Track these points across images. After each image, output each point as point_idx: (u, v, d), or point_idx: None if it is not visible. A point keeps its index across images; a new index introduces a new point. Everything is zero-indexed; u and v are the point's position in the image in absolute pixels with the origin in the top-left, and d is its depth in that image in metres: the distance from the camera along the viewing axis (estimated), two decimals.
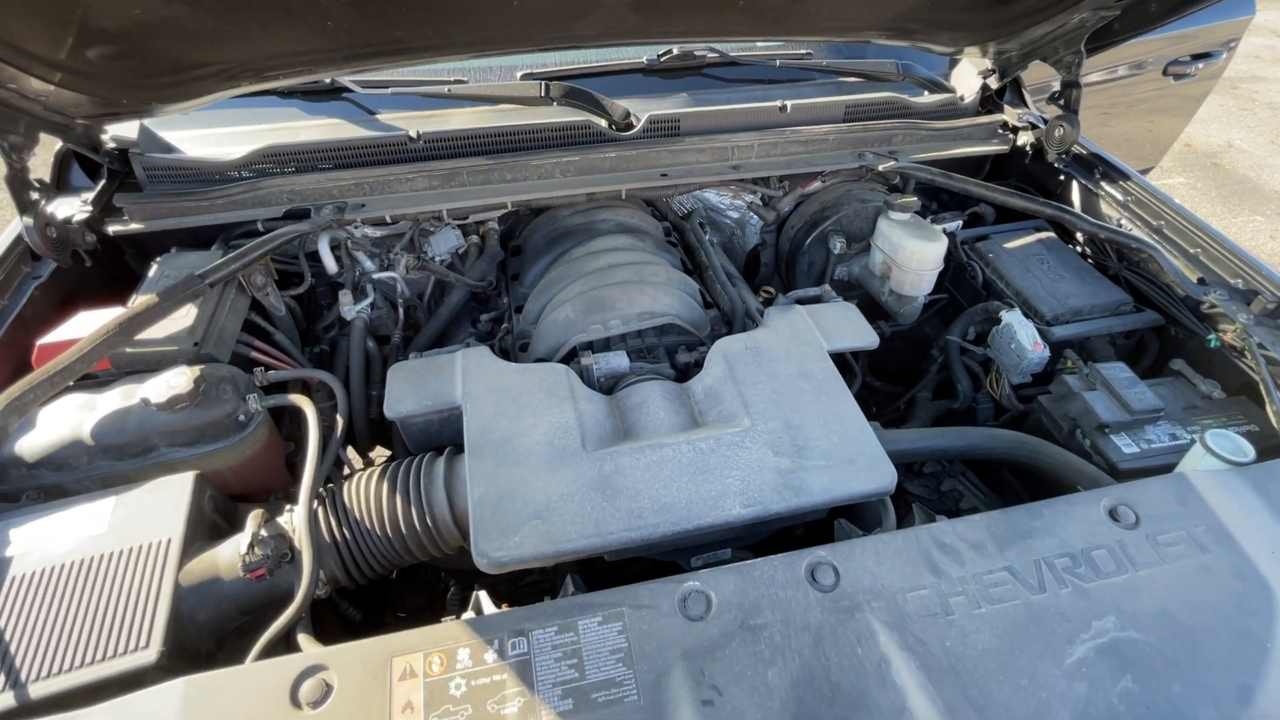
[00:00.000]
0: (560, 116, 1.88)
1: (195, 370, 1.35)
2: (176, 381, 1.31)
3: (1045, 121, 2.16)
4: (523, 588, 1.57)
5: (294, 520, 1.23)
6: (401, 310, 2.00)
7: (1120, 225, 1.91)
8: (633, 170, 1.86)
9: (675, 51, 2.05)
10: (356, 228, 1.77)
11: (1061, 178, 2.14)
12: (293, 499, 1.54)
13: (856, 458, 1.27)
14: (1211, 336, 1.64)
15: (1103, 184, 2.02)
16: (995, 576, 1.04)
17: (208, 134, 1.93)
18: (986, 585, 1.03)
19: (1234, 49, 3.44)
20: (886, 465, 1.26)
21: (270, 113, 1.94)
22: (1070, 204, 2.10)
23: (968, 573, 1.05)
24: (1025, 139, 2.16)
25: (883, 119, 2.04)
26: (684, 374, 1.69)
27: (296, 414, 1.54)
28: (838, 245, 2.06)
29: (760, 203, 2.13)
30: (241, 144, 1.80)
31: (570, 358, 1.65)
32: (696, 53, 2.05)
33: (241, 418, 1.39)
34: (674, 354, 1.73)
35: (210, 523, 1.27)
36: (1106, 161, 2.04)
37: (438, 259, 1.91)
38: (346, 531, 1.24)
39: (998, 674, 0.94)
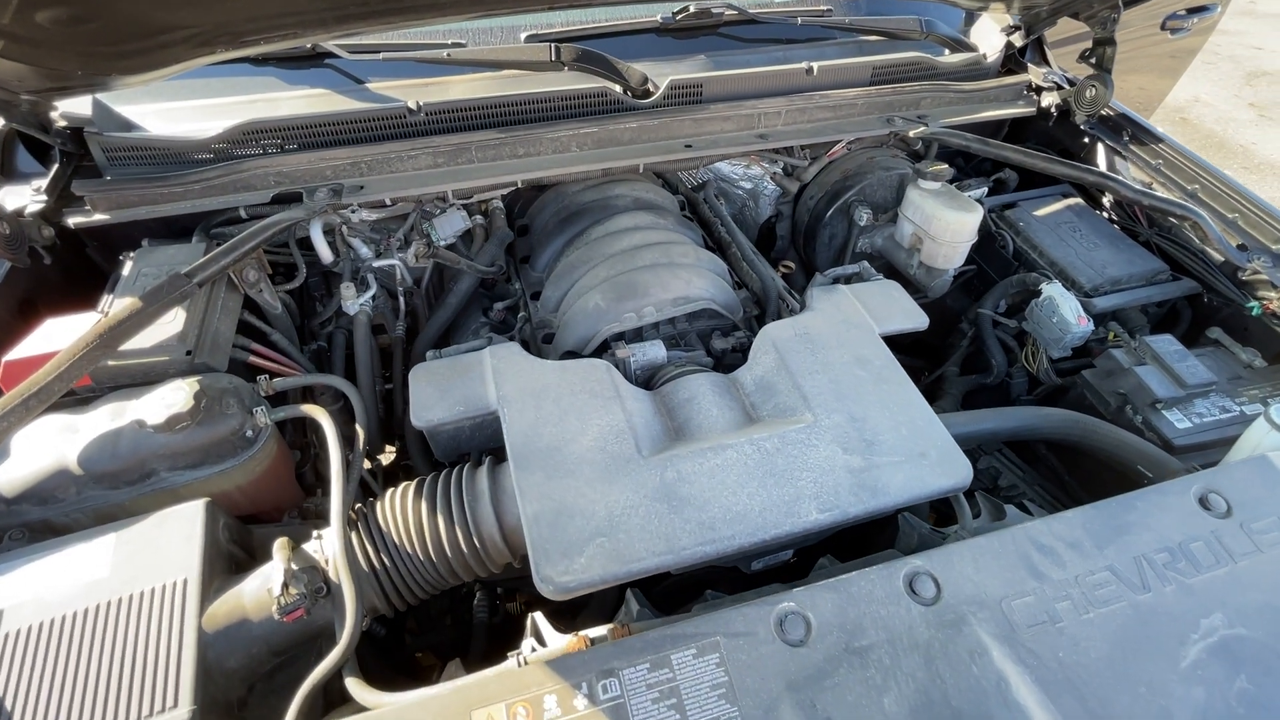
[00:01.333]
0: (572, 83, 1.72)
1: (194, 384, 1.19)
2: (174, 399, 1.16)
3: (1070, 82, 2.08)
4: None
5: (326, 549, 1.11)
6: (402, 299, 1.84)
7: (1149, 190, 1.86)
8: (655, 142, 1.72)
9: (692, 8, 1.89)
10: (353, 211, 1.60)
11: (1086, 140, 2.07)
12: (307, 515, 1.42)
13: (928, 451, 1.20)
14: (1254, 304, 1.61)
15: (1131, 147, 1.96)
16: (1098, 577, 0.99)
17: (172, 108, 1.71)
18: (1090, 587, 0.98)
19: (1228, 2, 3.40)
20: (960, 458, 1.19)
21: (243, 83, 1.73)
22: (1097, 163, 2.04)
23: (1069, 575, 0.99)
24: (1050, 100, 2.08)
25: (910, 80, 1.93)
26: (720, 361, 1.60)
27: (301, 421, 1.40)
28: (864, 217, 1.97)
29: (783, 172, 2.01)
30: (214, 119, 1.60)
31: (601, 349, 1.53)
32: (714, 10, 1.90)
33: (249, 433, 1.25)
34: (708, 340, 1.63)
35: (227, 555, 1.14)
36: (1135, 123, 1.98)
37: (442, 243, 1.75)
38: (385, 558, 1.12)
39: (1115, 684, 0.89)
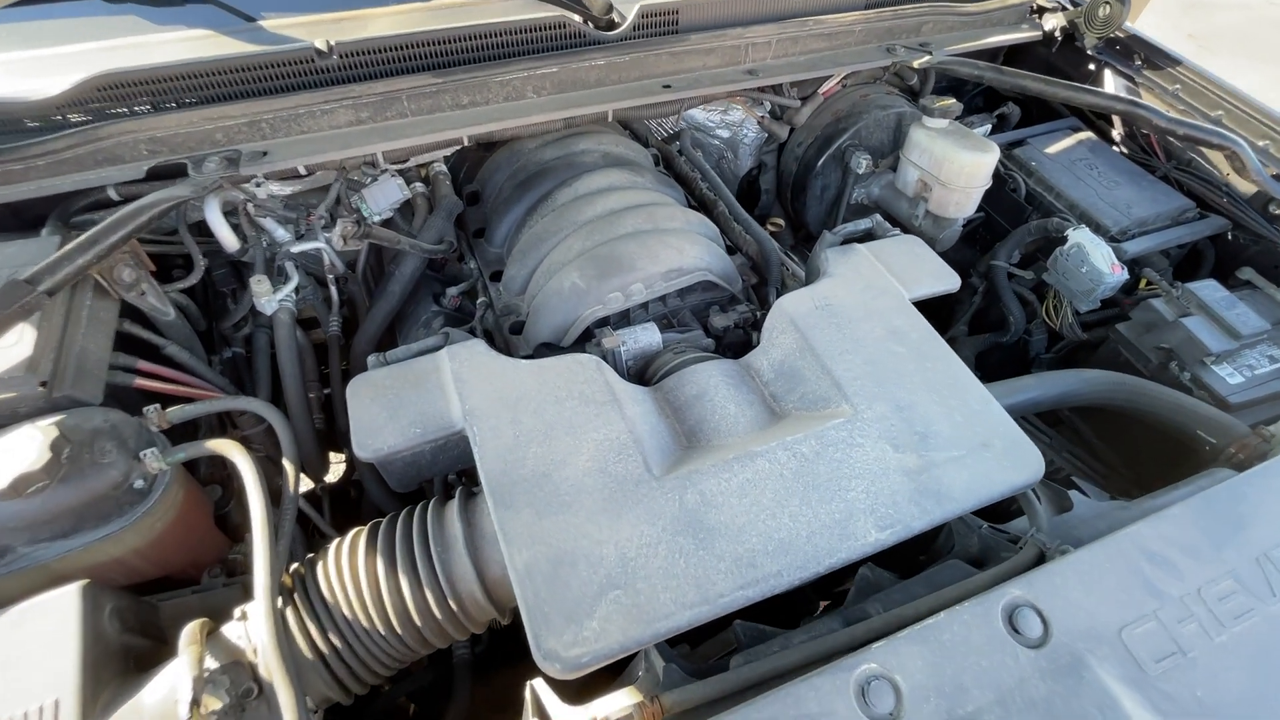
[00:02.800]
0: (521, 13, 1.40)
1: (50, 428, 0.89)
2: (22, 451, 0.86)
3: (1075, 2, 1.88)
4: None
5: (252, 634, 0.84)
6: (334, 288, 1.54)
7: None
8: (626, 83, 1.43)
9: None
10: (258, 184, 1.28)
11: (1093, 67, 1.88)
12: (235, 569, 1.14)
13: (991, 440, 1.01)
14: None
15: (1145, 72, 1.78)
16: (1221, 587, 0.82)
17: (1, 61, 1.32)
18: (1214, 600, 0.81)
19: None
20: (1029, 446, 1.00)
21: (96, 25, 1.35)
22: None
23: (1189, 587, 0.82)
24: (1054, 23, 1.87)
25: (909, 2, 1.68)
26: (720, 340, 1.37)
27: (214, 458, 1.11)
28: (862, 163, 1.74)
29: (771, 116, 1.76)
30: (58, 71, 1.23)
31: (583, 339, 1.28)
32: None
33: (138, 484, 0.96)
34: (704, 317, 1.40)
35: (121, 651, 0.87)
36: (1147, 44, 1.80)
37: (377, 219, 1.44)
38: (335, 638, 0.87)
39: None
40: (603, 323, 1.29)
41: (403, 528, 0.94)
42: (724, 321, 1.37)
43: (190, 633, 0.83)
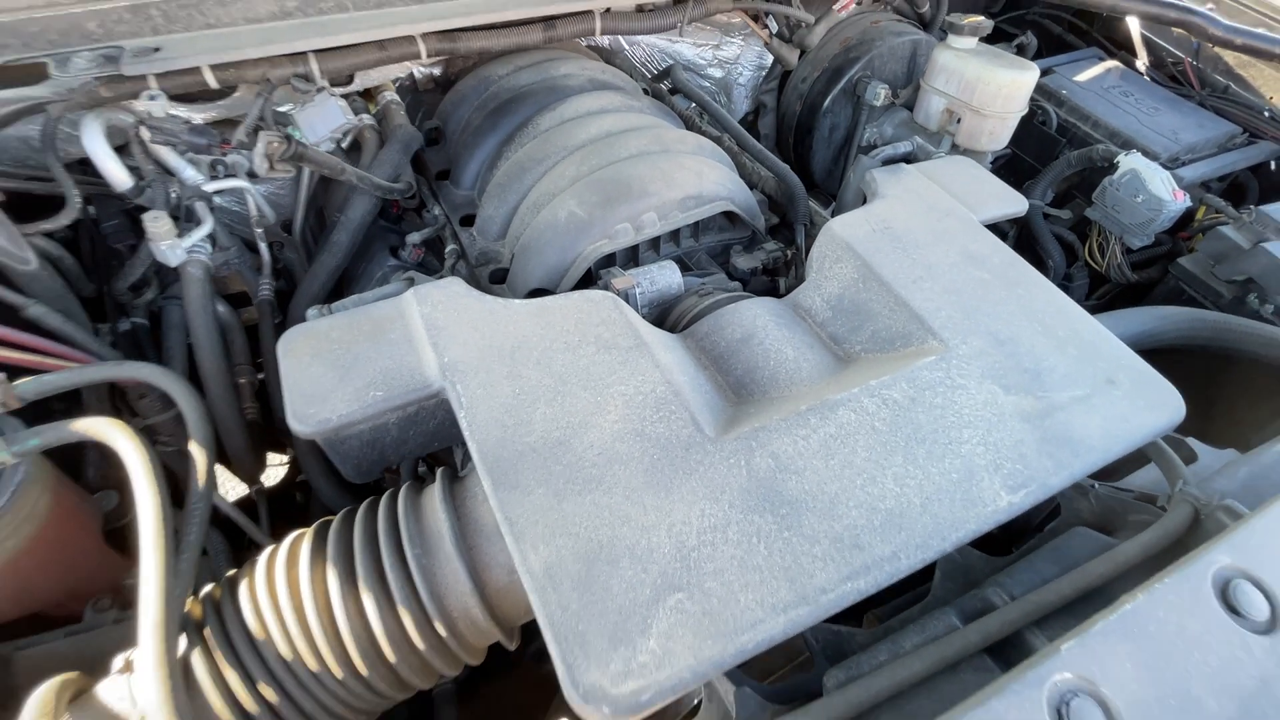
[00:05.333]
0: None
1: None
2: None
3: None
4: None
5: (136, 691, 0.57)
6: (265, 248, 1.24)
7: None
8: None
9: None
10: (152, 97, 0.98)
11: None
12: (128, 601, 0.85)
13: (1115, 376, 0.80)
14: None
15: None
16: None
17: None
18: None
19: None
20: (1161, 381, 0.80)
21: None
22: (1124, 25, 1.71)
23: None
24: None
25: None
26: (745, 286, 1.14)
27: (104, 450, 0.82)
28: (879, 94, 1.54)
29: (780, 38, 1.54)
30: None
31: (586, 282, 1.03)
32: None
33: None
34: (724, 260, 1.17)
35: None
36: None
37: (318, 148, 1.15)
38: (268, 692, 0.60)
39: None
40: (608, 262, 1.04)
41: (363, 525, 0.67)
42: (749, 263, 1.14)
43: (40, 701, 0.55)
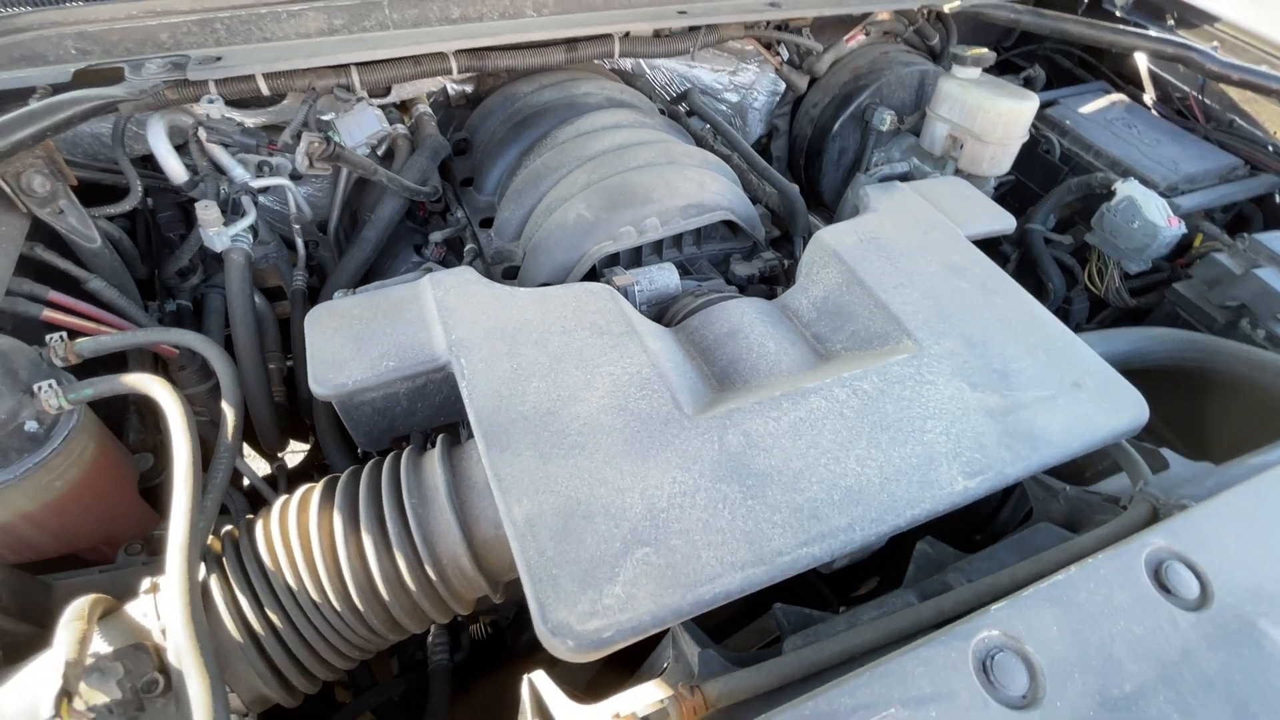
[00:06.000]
0: None
1: None
2: None
3: None
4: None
5: (162, 609, 0.64)
6: (301, 243, 1.35)
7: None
8: (636, 6, 1.29)
9: None
10: (210, 101, 1.10)
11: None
12: (159, 549, 0.93)
13: (1081, 379, 0.84)
14: None
15: (1179, 32, 1.68)
16: None
17: None
18: None
19: None
20: (1126, 386, 0.84)
21: None
22: (1133, 60, 1.76)
23: None
24: None
25: None
26: (743, 291, 1.20)
27: (147, 408, 0.92)
28: (886, 120, 1.61)
29: (791, 65, 1.62)
30: None
31: (591, 279, 1.10)
32: None
33: (30, 425, 0.75)
34: (724, 266, 1.23)
35: None
36: (1181, 2, 1.70)
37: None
38: (275, 615, 0.67)
39: None
40: (612, 261, 1.12)
41: (369, 478, 0.75)
42: (747, 270, 1.20)
43: (76, 609, 0.62)
